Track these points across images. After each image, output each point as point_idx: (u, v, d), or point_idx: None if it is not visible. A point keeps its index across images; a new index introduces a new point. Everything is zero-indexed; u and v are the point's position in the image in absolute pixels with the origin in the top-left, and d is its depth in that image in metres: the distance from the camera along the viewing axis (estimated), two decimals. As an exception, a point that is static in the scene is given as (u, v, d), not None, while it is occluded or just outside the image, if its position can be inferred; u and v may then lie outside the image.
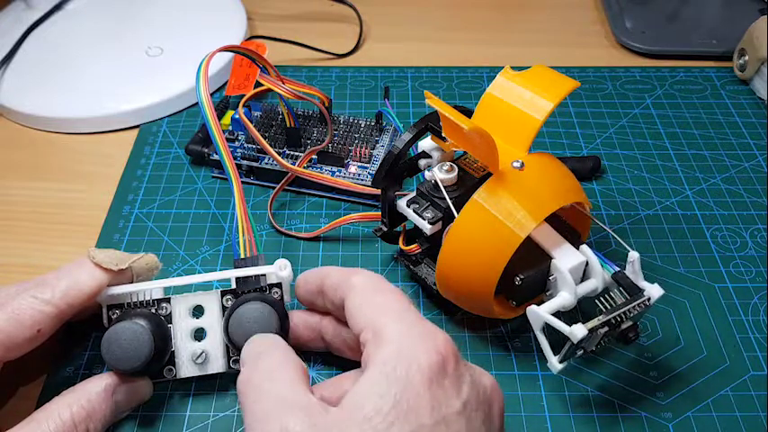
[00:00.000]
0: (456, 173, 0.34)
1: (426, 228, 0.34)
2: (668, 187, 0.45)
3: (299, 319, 0.34)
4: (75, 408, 0.29)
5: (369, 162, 0.44)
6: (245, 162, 0.44)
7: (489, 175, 0.32)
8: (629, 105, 0.52)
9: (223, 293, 0.33)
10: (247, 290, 0.33)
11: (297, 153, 0.44)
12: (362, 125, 0.46)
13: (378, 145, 0.45)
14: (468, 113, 0.35)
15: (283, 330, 0.32)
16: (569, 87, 0.33)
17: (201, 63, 0.37)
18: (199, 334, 0.33)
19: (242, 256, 0.35)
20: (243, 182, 0.45)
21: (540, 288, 0.33)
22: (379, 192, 0.37)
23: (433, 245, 0.36)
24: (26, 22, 0.55)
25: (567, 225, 0.34)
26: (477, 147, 0.32)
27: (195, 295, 0.33)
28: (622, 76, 0.54)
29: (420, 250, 0.37)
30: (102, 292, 0.32)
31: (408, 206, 0.35)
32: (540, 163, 0.33)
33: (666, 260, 0.40)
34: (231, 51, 0.41)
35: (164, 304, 0.33)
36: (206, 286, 0.36)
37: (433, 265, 0.36)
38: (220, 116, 0.48)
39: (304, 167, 0.43)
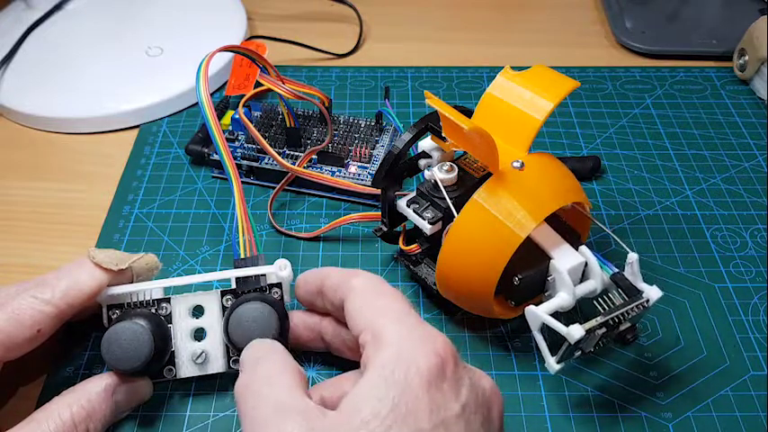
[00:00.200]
0: (456, 173, 0.34)
1: (426, 228, 0.34)
2: (668, 187, 0.45)
3: (299, 320, 0.34)
4: (75, 408, 0.29)
5: (369, 162, 0.44)
6: (245, 162, 0.44)
7: (489, 175, 0.32)
8: (629, 105, 0.52)
9: (223, 293, 0.33)
10: (247, 290, 0.33)
11: (297, 153, 0.44)
12: (362, 125, 0.46)
13: (378, 145, 0.45)
14: (468, 113, 0.35)
15: (283, 330, 0.32)
16: (569, 87, 0.33)
17: (201, 63, 0.37)
18: (199, 334, 0.33)
19: (242, 256, 0.35)
20: (243, 182, 0.45)
21: (539, 288, 0.33)
22: (379, 192, 0.37)
23: (433, 245, 0.36)
24: (26, 22, 0.55)
25: (567, 226, 0.34)
26: (477, 147, 0.32)
27: (195, 295, 0.33)
28: (622, 76, 0.54)
29: (420, 250, 0.37)
30: (102, 292, 0.32)
31: (408, 206, 0.35)
32: (540, 163, 0.33)
33: (666, 260, 0.40)
34: (231, 51, 0.41)
35: (164, 304, 0.33)
36: (206, 286, 0.36)
37: (433, 265, 0.36)
38: (220, 116, 0.48)
39: (304, 167, 0.43)
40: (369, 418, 0.23)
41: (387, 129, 0.46)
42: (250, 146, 0.45)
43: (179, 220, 0.43)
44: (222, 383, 0.35)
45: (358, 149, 0.44)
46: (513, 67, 0.35)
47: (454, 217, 0.32)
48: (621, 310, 0.30)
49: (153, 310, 0.33)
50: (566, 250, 0.32)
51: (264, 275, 0.33)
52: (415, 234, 0.37)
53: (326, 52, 0.57)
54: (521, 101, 0.33)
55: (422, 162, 0.36)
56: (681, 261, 0.40)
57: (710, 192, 0.45)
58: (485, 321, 0.37)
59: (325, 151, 0.43)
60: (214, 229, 0.42)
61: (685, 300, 0.38)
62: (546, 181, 0.32)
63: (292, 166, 0.42)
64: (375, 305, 0.28)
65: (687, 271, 0.40)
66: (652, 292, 0.31)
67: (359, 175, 0.43)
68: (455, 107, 0.32)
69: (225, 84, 0.51)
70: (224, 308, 0.33)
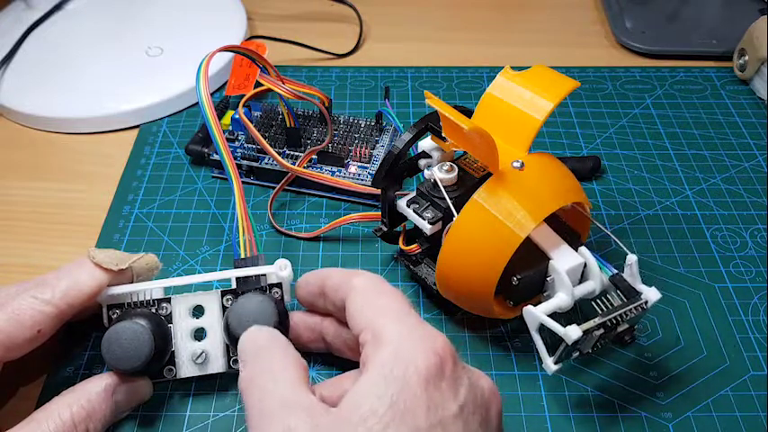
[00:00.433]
0: (456, 173, 0.34)
1: (426, 228, 0.34)
2: (668, 187, 0.45)
3: (300, 320, 0.34)
4: (75, 408, 0.29)
5: (369, 162, 0.44)
6: (245, 162, 0.44)
7: (489, 175, 0.32)
8: (629, 105, 0.52)
9: (223, 293, 0.33)
10: (247, 290, 0.33)
11: (297, 153, 0.44)
12: (362, 125, 0.46)
13: (378, 145, 0.45)
14: (468, 113, 0.35)
15: (283, 327, 0.32)
16: (569, 87, 0.33)
17: (201, 63, 0.37)
18: (199, 334, 0.33)
19: (242, 256, 0.35)
20: (243, 182, 0.45)
21: (538, 289, 0.33)
22: (379, 192, 0.37)
23: (433, 245, 0.36)
24: (26, 22, 0.55)
25: (567, 226, 0.34)
26: (477, 147, 0.32)
27: (195, 295, 0.33)
28: (622, 76, 0.54)
29: (420, 250, 0.37)
30: (102, 292, 0.32)
31: (408, 206, 0.35)
32: (540, 163, 0.33)
33: (666, 260, 0.40)
34: (231, 51, 0.41)
35: (164, 304, 0.33)
36: (206, 286, 0.36)
37: (433, 265, 0.36)
38: (220, 116, 0.48)
39: (304, 167, 0.43)
40: (367, 415, 0.24)
41: (387, 129, 0.46)
42: (250, 146, 0.45)
43: (179, 220, 0.43)
44: (222, 383, 0.35)
45: (358, 149, 0.44)
46: (513, 67, 0.35)
47: (454, 217, 0.32)
48: (620, 312, 0.30)
49: (153, 310, 0.33)
50: (565, 251, 0.32)
51: (265, 275, 0.33)
52: (415, 234, 0.37)
53: (326, 52, 0.57)
54: (521, 101, 0.33)
55: (422, 162, 0.36)
56: (681, 261, 0.40)
57: (710, 192, 0.45)
58: (485, 321, 0.37)
59: (325, 151, 0.43)
60: (214, 229, 0.42)
61: (685, 300, 0.38)
62: (546, 181, 0.32)
63: (292, 166, 0.42)
64: (376, 304, 0.28)
65: (687, 271, 0.40)
66: (651, 294, 0.31)
67: (359, 175, 0.43)
68: (455, 107, 0.32)
69: (225, 84, 0.51)
70: (224, 308, 0.33)
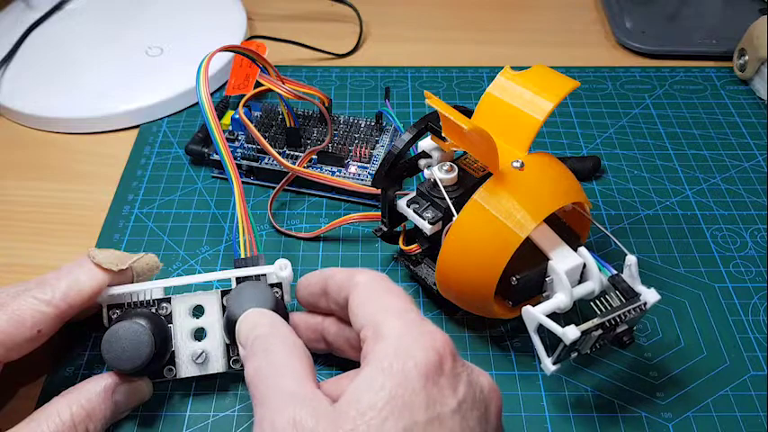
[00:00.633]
0: (456, 173, 0.34)
1: (426, 228, 0.34)
2: (668, 187, 0.45)
3: (300, 320, 0.34)
4: (74, 408, 0.29)
5: (369, 162, 0.44)
6: (245, 162, 0.44)
7: (489, 175, 0.32)
8: (629, 105, 0.52)
9: (223, 293, 0.33)
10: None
11: (297, 153, 0.44)
12: (362, 125, 0.46)
13: (378, 145, 0.45)
14: (468, 113, 0.35)
15: (281, 314, 0.32)
16: (569, 87, 0.33)
17: (201, 63, 0.37)
18: (199, 334, 0.33)
19: (242, 256, 0.35)
20: (243, 182, 0.45)
21: (537, 289, 0.33)
22: (379, 192, 0.37)
23: (433, 245, 0.36)
24: (26, 22, 0.55)
25: (566, 226, 0.34)
26: (477, 147, 0.32)
27: (195, 295, 0.33)
28: (622, 76, 0.54)
29: (420, 250, 0.37)
30: (102, 293, 0.32)
31: (408, 206, 0.35)
32: (540, 163, 0.33)
33: (666, 260, 0.40)
34: (231, 51, 0.41)
35: (164, 304, 0.33)
36: (206, 286, 0.36)
37: (433, 265, 0.36)
38: (220, 116, 0.48)
39: (304, 167, 0.43)
40: (365, 408, 0.24)
41: (387, 129, 0.46)
42: (250, 146, 0.45)
43: (179, 220, 0.43)
44: (222, 383, 0.35)
45: (358, 149, 0.44)
46: (513, 67, 0.35)
47: (454, 217, 0.32)
48: (618, 312, 0.30)
49: (153, 310, 0.33)
50: (564, 251, 0.32)
51: (265, 275, 0.33)
52: (415, 234, 0.37)
53: (326, 52, 0.57)
54: (521, 101, 0.33)
55: (422, 162, 0.36)
56: (681, 261, 0.40)
57: (710, 192, 0.45)
58: (485, 321, 0.37)
59: (325, 151, 0.43)
60: (214, 229, 0.42)
61: (685, 300, 0.38)
62: (546, 181, 0.32)
63: (293, 166, 0.42)
64: (377, 301, 0.28)
65: (687, 271, 0.40)
66: (649, 295, 0.31)
67: (359, 175, 0.43)
68: (455, 107, 0.32)
69: (225, 84, 0.51)
70: (224, 308, 0.33)
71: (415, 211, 0.35)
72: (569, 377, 0.35)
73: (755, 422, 0.33)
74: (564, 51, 0.57)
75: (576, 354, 0.31)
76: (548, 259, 0.32)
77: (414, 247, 0.37)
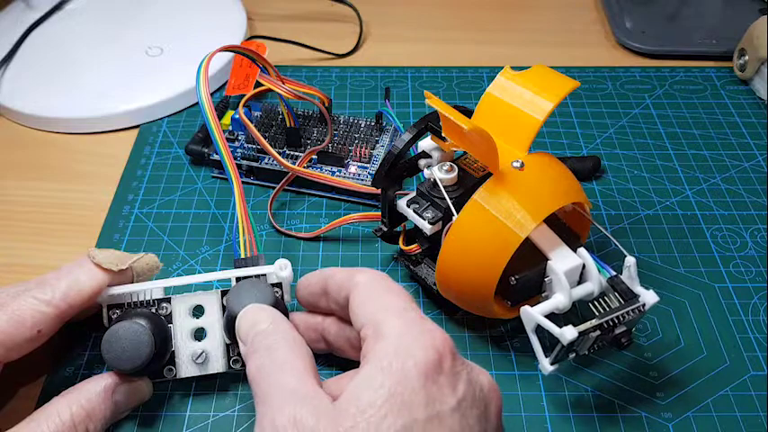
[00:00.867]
0: (456, 173, 0.34)
1: (426, 228, 0.34)
2: (668, 187, 0.45)
3: (301, 321, 0.34)
4: (74, 408, 0.29)
5: (369, 162, 0.44)
6: (245, 162, 0.44)
7: (489, 175, 0.32)
8: (629, 105, 0.52)
9: (223, 293, 0.33)
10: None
11: (297, 153, 0.44)
12: (362, 125, 0.46)
13: (378, 145, 0.45)
14: (468, 113, 0.35)
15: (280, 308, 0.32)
16: (569, 87, 0.33)
17: (201, 63, 0.37)
18: (199, 334, 0.33)
19: (242, 256, 0.35)
20: (243, 182, 0.45)
21: (537, 289, 0.33)
22: (379, 192, 0.37)
23: (433, 245, 0.36)
24: (26, 22, 0.55)
25: (566, 227, 0.34)
26: (477, 147, 0.32)
27: (195, 295, 0.33)
28: (622, 76, 0.54)
29: (420, 250, 0.37)
30: (102, 293, 0.32)
31: (408, 206, 0.35)
32: (540, 163, 0.33)
33: (666, 260, 0.40)
34: (231, 51, 0.41)
35: (164, 304, 0.33)
36: (206, 286, 0.36)
37: (433, 265, 0.36)
38: (220, 116, 0.48)
39: (304, 167, 0.43)
40: (365, 406, 0.24)
41: (387, 129, 0.46)
42: (250, 146, 0.45)
43: (179, 220, 0.43)
44: (222, 383, 0.35)
45: (358, 149, 0.44)
46: (513, 67, 0.35)
47: (454, 217, 0.32)
48: (617, 314, 0.30)
49: (153, 310, 0.33)
50: (563, 252, 0.32)
51: (265, 275, 0.33)
52: (415, 234, 0.37)
53: (326, 52, 0.57)
54: (521, 101, 0.33)
55: (422, 162, 0.36)
56: (681, 261, 0.40)
57: (710, 192, 0.45)
58: (485, 321, 0.37)
59: (325, 151, 0.43)
60: (214, 229, 0.42)
61: (685, 300, 0.38)
62: (546, 181, 0.32)
63: (293, 166, 0.42)
64: (377, 300, 0.28)
65: (687, 271, 0.40)
66: (648, 297, 0.31)
67: (359, 175, 0.43)
68: (455, 107, 0.32)
69: (225, 84, 0.51)
70: (224, 308, 0.33)
71: (415, 211, 0.35)
72: (569, 377, 0.35)
73: (755, 422, 0.33)
74: (564, 51, 0.57)
75: (574, 354, 0.31)
76: (547, 259, 0.32)
77: (414, 247, 0.37)
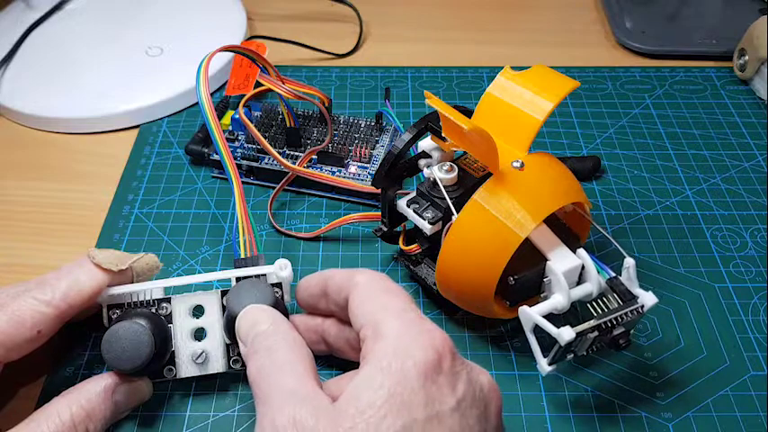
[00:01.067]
0: (456, 173, 0.34)
1: (426, 228, 0.34)
2: (668, 187, 0.45)
3: (301, 322, 0.34)
4: (74, 408, 0.29)
5: (369, 162, 0.44)
6: (245, 162, 0.44)
7: (489, 175, 0.32)
8: (629, 105, 0.52)
9: (223, 293, 0.33)
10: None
11: (297, 153, 0.44)
12: (362, 125, 0.46)
13: (378, 145, 0.45)
14: (468, 113, 0.35)
15: (279, 308, 0.32)
16: (569, 87, 0.33)
17: (201, 63, 0.37)
18: (199, 334, 0.33)
19: (242, 256, 0.35)
20: (243, 182, 0.45)
21: (536, 290, 0.33)
22: (379, 191, 0.37)
23: (433, 245, 0.36)
24: (26, 22, 0.55)
25: (566, 227, 0.34)
26: (477, 147, 0.32)
27: (195, 295, 0.33)
28: (622, 76, 0.54)
29: (420, 250, 0.37)
30: (102, 293, 0.32)
31: (408, 206, 0.35)
32: (540, 163, 0.33)
33: (666, 260, 0.40)
34: (231, 51, 0.41)
35: (164, 304, 0.33)
36: (206, 286, 0.36)
37: (433, 265, 0.36)
38: (220, 116, 0.48)
39: (304, 167, 0.43)
40: (364, 407, 0.24)
41: (387, 129, 0.46)
42: (250, 146, 0.45)
43: (179, 220, 0.43)
44: (222, 383, 0.35)
45: (358, 149, 0.44)
46: (513, 67, 0.35)
47: (454, 217, 0.32)
48: (615, 315, 0.30)
49: (153, 310, 0.33)
50: (562, 252, 0.32)
51: (265, 275, 0.33)
52: (415, 234, 0.37)
53: (326, 52, 0.57)
54: (521, 101, 0.33)
55: (422, 162, 0.36)
56: (681, 261, 0.40)
57: (710, 192, 0.45)
58: (485, 321, 0.37)
59: (325, 151, 0.43)
60: (214, 229, 0.42)
61: (685, 300, 0.38)
62: (546, 181, 0.32)
63: (293, 166, 0.42)
64: (377, 301, 0.28)
65: (687, 271, 0.40)
66: (647, 298, 0.31)
67: (359, 174, 0.43)
68: (455, 107, 0.32)
69: (225, 84, 0.51)
70: (224, 308, 0.33)
71: (415, 211, 0.35)
72: (569, 377, 0.35)
73: (755, 422, 0.33)
74: (564, 51, 0.57)
75: (572, 355, 0.31)
76: (546, 260, 0.32)
77: (414, 247, 0.37)
